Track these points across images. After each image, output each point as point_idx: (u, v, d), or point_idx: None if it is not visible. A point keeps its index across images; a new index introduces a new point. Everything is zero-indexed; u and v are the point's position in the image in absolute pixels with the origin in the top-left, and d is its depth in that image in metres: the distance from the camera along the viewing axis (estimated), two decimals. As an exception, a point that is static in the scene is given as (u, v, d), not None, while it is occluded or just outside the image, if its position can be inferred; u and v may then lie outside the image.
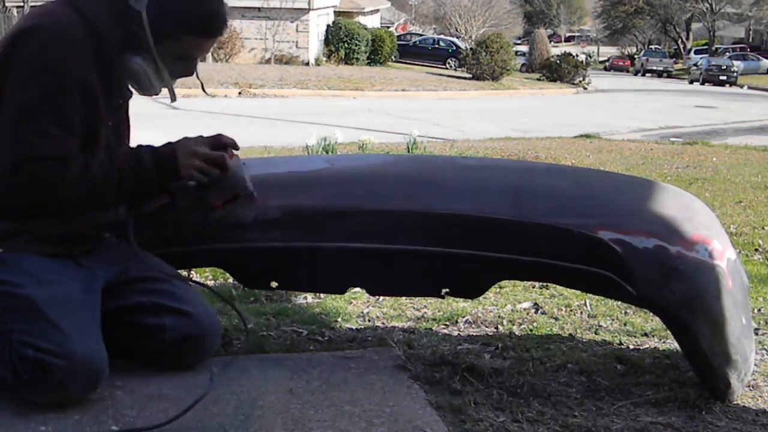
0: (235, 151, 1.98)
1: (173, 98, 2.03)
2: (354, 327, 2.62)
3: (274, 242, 2.11)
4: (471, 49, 26.46)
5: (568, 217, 2.02)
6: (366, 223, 2.09)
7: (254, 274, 2.22)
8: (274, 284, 2.22)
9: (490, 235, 2.05)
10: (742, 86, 33.23)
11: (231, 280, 2.54)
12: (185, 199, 1.95)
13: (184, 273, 2.22)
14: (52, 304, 1.76)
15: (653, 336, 2.63)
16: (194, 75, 2.01)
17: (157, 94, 1.98)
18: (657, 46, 54.49)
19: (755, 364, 2.36)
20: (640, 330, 2.69)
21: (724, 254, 2.01)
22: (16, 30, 1.80)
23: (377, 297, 2.88)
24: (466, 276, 2.14)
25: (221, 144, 1.95)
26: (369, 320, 2.70)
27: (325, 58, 26.57)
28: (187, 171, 1.89)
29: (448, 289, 2.18)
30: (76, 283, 1.85)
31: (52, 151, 1.77)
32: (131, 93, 2.00)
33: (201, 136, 1.96)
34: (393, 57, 30.79)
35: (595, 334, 2.65)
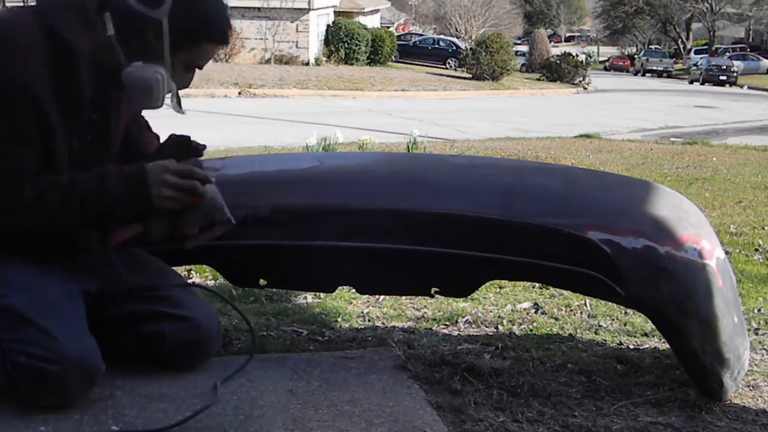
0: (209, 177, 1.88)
1: (180, 109, 1.90)
2: (354, 327, 2.62)
3: (263, 240, 2.11)
4: (471, 49, 26.45)
5: (558, 217, 2.02)
6: (356, 221, 2.08)
7: (243, 271, 2.21)
8: (262, 282, 2.22)
9: (479, 235, 2.04)
10: (742, 86, 33.24)
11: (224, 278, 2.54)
12: (159, 227, 1.86)
13: (184, 273, 2.22)
14: (37, 310, 1.75)
15: (653, 336, 2.63)
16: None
17: (159, 107, 1.87)
18: (657, 46, 54.49)
19: (755, 364, 2.36)
20: (640, 330, 2.69)
21: (713, 253, 2.00)
22: None
23: (377, 297, 2.88)
24: (455, 275, 2.13)
25: (190, 172, 1.84)
26: (369, 320, 2.70)
27: (325, 58, 26.57)
28: (161, 203, 1.81)
29: (437, 288, 2.17)
30: (59, 285, 1.83)
31: (5, 170, 1.71)
32: (117, 103, 1.90)
33: (170, 162, 1.84)
34: (393, 57, 30.77)
35: (595, 334, 2.65)
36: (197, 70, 1.91)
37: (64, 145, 1.80)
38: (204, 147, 1.98)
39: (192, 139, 1.96)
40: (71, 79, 1.76)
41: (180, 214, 1.86)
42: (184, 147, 1.94)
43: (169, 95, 1.83)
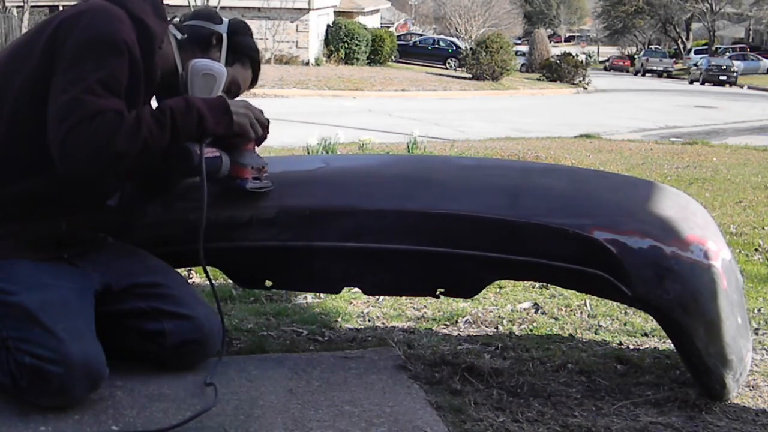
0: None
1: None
2: (354, 327, 2.62)
3: (269, 241, 2.11)
4: (471, 49, 26.44)
5: (564, 217, 2.02)
6: (362, 222, 2.08)
7: (249, 273, 2.21)
8: (268, 283, 2.22)
9: (486, 235, 2.05)
10: (742, 86, 33.23)
11: (231, 280, 2.54)
12: (226, 161, 1.98)
13: (184, 273, 2.22)
14: (45, 310, 1.75)
15: (653, 336, 2.63)
16: None
17: None
18: (657, 46, 54.47)
19: (755, 364, 2.36)
20: (640, 330, 2.70)
21: (719, 254, 2.00)
22: (59, 19, 1.81)
23: (377, 297, 2.88)
24: (461, 276, 2.13)
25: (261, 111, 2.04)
26: (369, 320, 2.70)
27: (325, 58, 26.57)
28: (242, 120, 1.95)
29: (443, 289, 2.17)
30: (70, 285, 1.84)
31: (105, 105, 1.76)
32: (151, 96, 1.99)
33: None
34: (393, 57, 30.77)
35: (595, 334, 2.65)
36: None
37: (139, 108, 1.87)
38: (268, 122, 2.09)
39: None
40: (149, 60, 1.86)
41: (240, 153, 2.00)
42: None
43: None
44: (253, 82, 2.16)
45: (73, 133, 1.72)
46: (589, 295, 2.90)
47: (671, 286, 1.93)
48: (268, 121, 2.06)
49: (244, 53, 2.10)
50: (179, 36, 2.00)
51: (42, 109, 1.76)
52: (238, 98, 2.07)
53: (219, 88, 2.00)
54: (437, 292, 2.18)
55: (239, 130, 1.95)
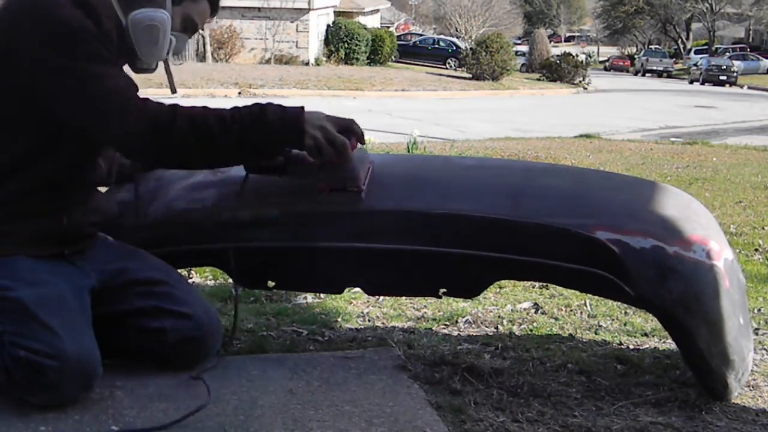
0: (360, 145, 1.99)
1: (173, 89, 2.01)
2: (354, 327, 2.62)
3: (271, 242, 2.11)
4: (471, 49, 26.46)
5: (566, 217, 2.02)
6: (364, 222, 2.08)
7: (252, 273, 2.21)
8: (271, 284, 2.22)
9: (487, 235, 2.04)
10: (742, 86, 33.25)
11: (231, 279, 2.54)
12: (295, 169, 1.95)
13: (183, 273, 2.22)
14: (42, 306, 1.75)
15: (653, 336, 2.63)
16: (170, 80, 2.02)
17: (161, 59, 1.95)
18: (657, 46, 54.50)
19: (755, 364, 2.36)
20: (640, 330, 2.70)
21: (721, 254, 2.00)
22: (10, 10, 1.78)
23: (377, 297, 2.88)
24: (463, 276, 2.13)
25: (350, 130, 1.95)
26: (369, 320, 2.70)
27: (325, 58, 26.58)
28: (308, 141, 1.86)
29: (445, 289, 2.17)
30: (68, 283, 1.84)
31: (131, 86, 1.79)
32: None
33: (334, 116, 1.93)
34: (393, 57, 30.79)
35: (595, 334, 2.65)
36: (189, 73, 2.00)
37: None
38: (363, 134, 2.02)
39: (354, 122, 2.00)
40: (102, 32, 1.80)
41: (320, 167, 1.93)
42: (346, 130, 1.97)
43: (169, 52, 1.90)
44: (213, 11, 2.01)
45: (125, 124, 1.76)
46: (589, 295, 2.90)
47: (674, 286, 1.93)
48: (362, 136, 1.99)
49: None
50: None
51: (14, 106, 1.78)
52: (315, 110, 1.93)
53: (166, 35, 1.86)
54: (439, 293, 2.18)
55: (307, 148, 1.88)
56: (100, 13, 1.81)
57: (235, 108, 1.85)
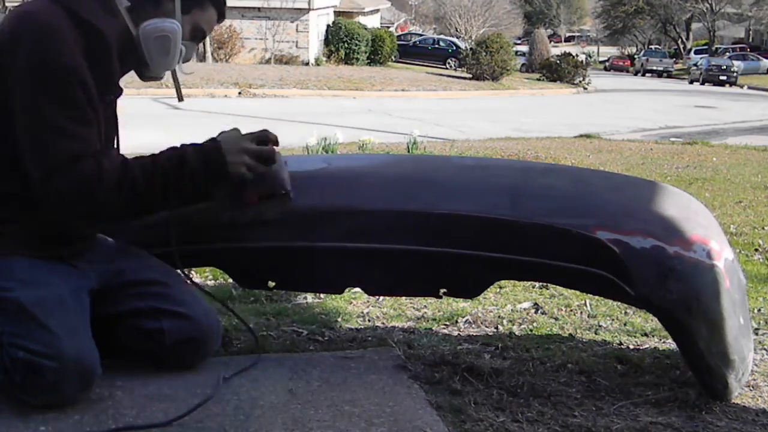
0: (276, 148, 2.01)
1: (181, 97, 2.02)
2: (354, 327, 2.62)
3: (271, 242, 2.11)
4: (471, 49, 26.44)
5: (567, 217, 2.02)
6: (364, 222, 2.08)
7: (252, 274, 2.21)
8: (271, 284, 2.22)
9: (488, 235, 2.05)
10: (742, 86, 33.25)
11: (231, 280, 2.54)
12: (221, 192, 1.96)
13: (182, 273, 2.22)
14: (41, 306, 1.76)
15: (653, 336, 2.63)
16: (176, 83, 2.03)
17: (161, 78, 1.97)
18: (657, 46, 54.50)
19: (755, 364, 2.36)
20: (640, 330, 2.70)
21: (721, 254, 2.00)
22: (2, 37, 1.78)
23: (377, 297, 2.88)
24: (464, 276, 2.13)
25: (266, 138, 1.98)
26: (369, 320, 2.70)
27: (325, 58, 26.57)
28: (236, 169, 1.91)
29: (445, 290, 2.17)
30: (66, 283, 1.84)
31: (81, 150, 1.76)
32: (121, 90, 1.98)
33: (246, 133, 1.98)
34: (393, 57, 30.78)
35: (595, 334, 2.65)
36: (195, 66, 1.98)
37: (102, 127, 1.87)
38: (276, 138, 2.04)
39: (267, 131, 2.02)
40: (105, 65, 1.84)
41: (244, 181, 1.95)
42: (262, 141, 1.99)
43: (180, 60, 1.93)
44: (220, 18, 2.03)
45: (52, 183, 1.76)
46: (589, 295, 2.90)
47: (674, 286, 1.93)
48: (276, 140, 2.02)
49: None
50: (126, 4, 1.87)
51: (6, 111, 1.78)
52: (227, 130, 1.99)
53: (177, 45, 1.89)
54: (440, 293, 2.18)
55: (238, 176, 1.93)
56: (106, 35, 1.81)
57: (156, 161, 1.86)
